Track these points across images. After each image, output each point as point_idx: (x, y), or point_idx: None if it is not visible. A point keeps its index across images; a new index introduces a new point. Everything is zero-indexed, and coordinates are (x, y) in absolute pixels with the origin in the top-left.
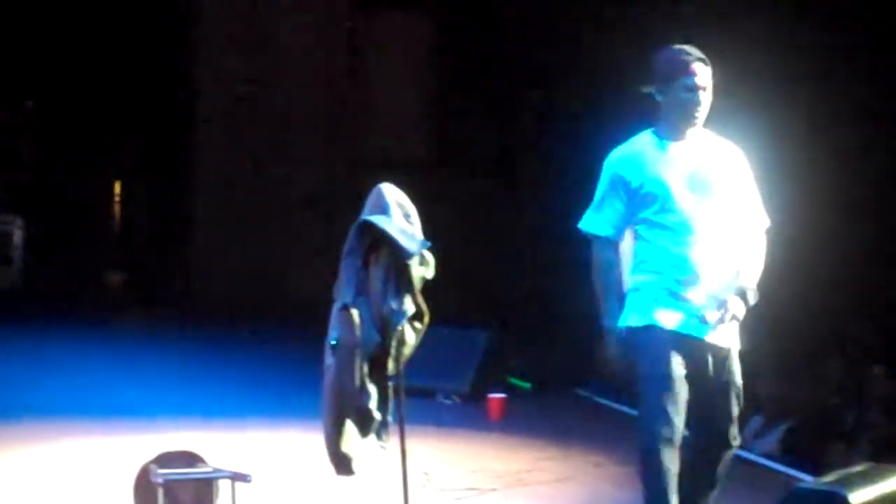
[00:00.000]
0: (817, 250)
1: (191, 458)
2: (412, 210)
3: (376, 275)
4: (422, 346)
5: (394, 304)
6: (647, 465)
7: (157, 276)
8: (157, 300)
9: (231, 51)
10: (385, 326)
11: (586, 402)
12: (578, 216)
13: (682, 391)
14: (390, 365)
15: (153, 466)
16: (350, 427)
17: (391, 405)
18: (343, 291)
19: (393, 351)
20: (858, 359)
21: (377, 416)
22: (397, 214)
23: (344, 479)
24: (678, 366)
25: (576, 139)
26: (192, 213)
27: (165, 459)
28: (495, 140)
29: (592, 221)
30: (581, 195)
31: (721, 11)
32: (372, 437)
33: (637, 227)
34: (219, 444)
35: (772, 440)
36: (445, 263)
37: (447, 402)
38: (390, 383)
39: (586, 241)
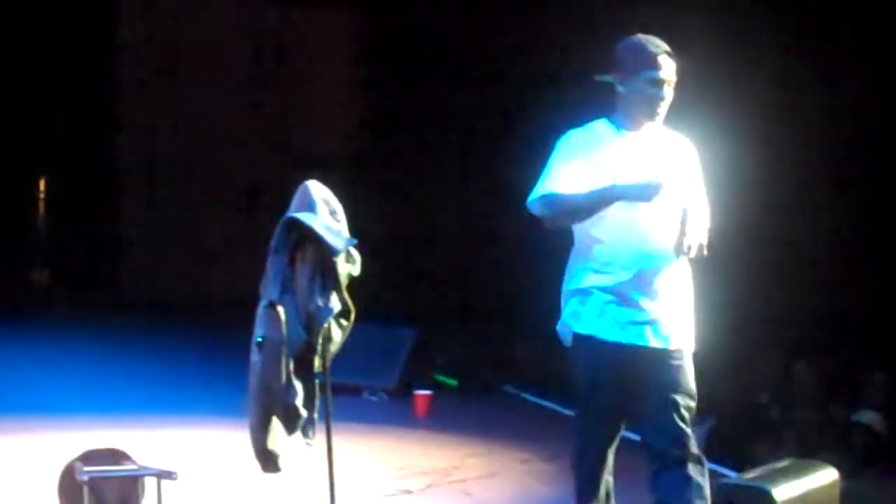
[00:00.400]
0: (753, 249)
1: (116, 456)
2: (338, 207)
3: (303, 272)
4: (348, 343)
5: (320, 302)
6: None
7: (83, 273)
8: (83, 297)
9: (157, 49)
10: (311, 323)
11: (513, 398)
12: (504, 215)
13: (616, 400)
14: (317, 362)
15: (78, 464)
16: (276, 424)
17: (318, 402)
18: (269, 289)
19: (319, 348)
20: (788, 355)
21: (303, 413)
22: (324, 211)
23: (270, 476)
24: (614, 375)
25: (504, 138)
26: (119, 210)
27: (90, 457)
28: (423, 137)
29: (542, 189)
30: (508, 194)
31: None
32: (298, 434)
33: (584, 222)
34: (144, 441)
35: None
36: (372, 260)
37: (374, 399)
38: (317, 380)
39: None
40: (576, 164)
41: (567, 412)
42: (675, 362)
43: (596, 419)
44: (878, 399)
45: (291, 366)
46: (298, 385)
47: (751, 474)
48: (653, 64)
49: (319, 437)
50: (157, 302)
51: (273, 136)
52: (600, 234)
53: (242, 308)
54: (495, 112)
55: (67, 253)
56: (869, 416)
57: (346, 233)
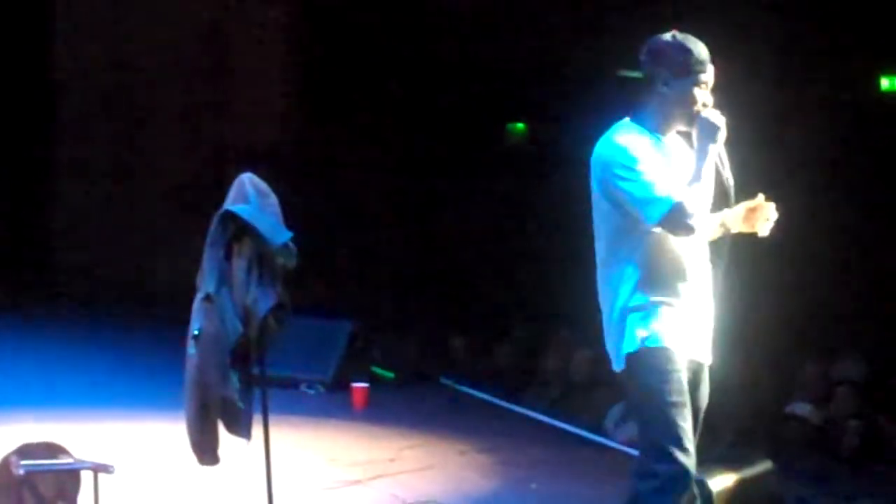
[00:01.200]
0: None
1: (53, 450)
2: (275, 200)
3: (239, 265)
4: (285, 336)
5: (257, 295)
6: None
7: (17, 265)
8: (16, 290)
9: (91, 40)
10: (248, 316)
11: (450, 390)
12: (441, 206)
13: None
14: (253, 355)
15: (14, 458)
16: (213, 417)
17: (254, 395)
18: (206, 282)
19: (256, 341)
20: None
21: (240, 406)
22: (260, 204)
23: (207, 469)
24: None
25: (437, 130)
26: (54, 204)
27: (26, 451)
28: (358, 129)
29: (658, 204)
30: (442, 184)
31: None
32: (235, 427)
33: (636, 234)
34: (81, 435)
35: (633, 428)
36: (308, 253)
37: (310, 392)
38: (253, 373)
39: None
40: (662, 169)
41: (503, 404)
42: (706, 377)
43: (685, 417)
44: (812, 390)
45: (228, 359)
46: (235, 378)
47: None
48: (705, 67)
49: (256, 430)
50: (93, 294)
51: (208, 129)
52: (654, 248)
53: (179, 301)
54: (430, 101)
55: (0, 246)
56: (802, 408)
57: (282, 226)
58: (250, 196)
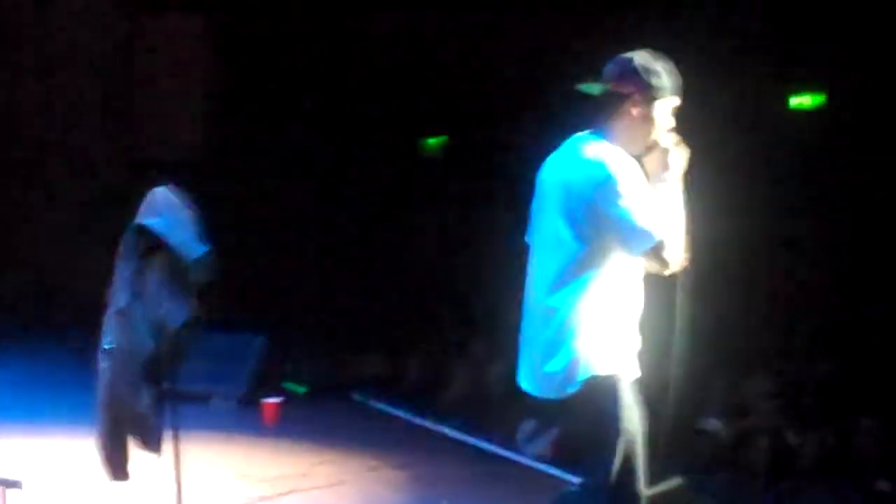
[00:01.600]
0: None
1: None
2: (189, 214)
3: (151, 279)
4: (197, 350)
5: (169, 309)
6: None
7: None
8: None
9: (4, 46)
10: (160, 331)
11: (361, 406)
12: (351, 221)
13: None
14: (165, 369)
15: None
16: (124, 432)
17: (165, 410)
18: (117, 295)
19: (168, 355)
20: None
21: (151, 420)
22: (173, 218)
23: (117, 484)
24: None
25: (349, 141)
26: None
27: None
28: (272, 142)
29: (644, 237)
30: (356, 200)
31: None
32: (146, 442)
33: (597, 258)
34: None
35: (543, 443)
36: (221, 268)
37: (222, 406)
38: (165, 388)
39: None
40: (645, 198)
41: (415, 420)
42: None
43: (636, 444)
44: (720, 405)
45: (140, 373)
46: (146, 392)
47: None
48: (673, 94)
49: (167, 445)
50: (3, 307)
51: (121, 142)
52: (616, 267)
53: (90, 315)
54: (344, 115)
55: None
56: (712, 423)
57: (196, 240)
58: (163, 210)
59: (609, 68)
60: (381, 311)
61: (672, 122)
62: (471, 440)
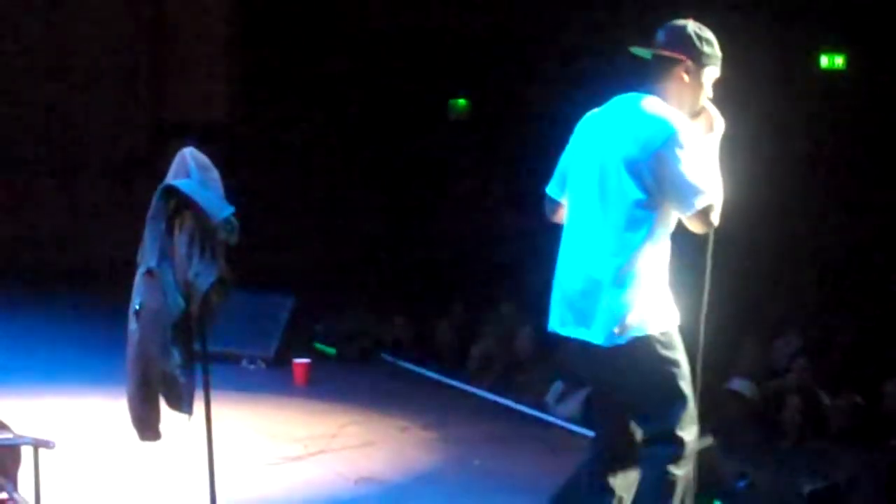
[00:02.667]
0: None
1: None
2: (216, 174)
3: (181, 240)
4: (227, 311)
5: (198, 270)
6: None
7: None
8: None
9: (27, 12)
10: (189, 292)
11: (391, 366)
12: (381, 181)
13: None
14: (195, 330)
15: None
16: (154, 393)
17: (196, 371)
18: (147, 256)
19: (197, 316)
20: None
21: (182, 381)
22: (201, 179)
23: (149, 444)
24: None
25: (375, 103)
26: None
27: None
28: (299, 105)
29: (699, 196)
30: (386, 162)
31: None
32: (176, 402)
33: (652, 212)
34: (21, 410)
35: (574, 404)
36: (250, 229)
37: (252, 367)
38: (195, 349)
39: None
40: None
41: (444, 380)
42: None
43: (692, 410)
44: (749, 366)
45: (170, 334)
46: (176, 353)
47: None
48: (719, 62)
49: (198, 406)
50: (31, 270)
51: (149, 104)
52: (670, 226)
53: (120, 276)
54: (368, 78)
55: None
56: (740, 384)
57: (224, 200)
58: (192, 170)
59: (662, 34)
60: (411, 273)
61: (711, 91)
62: (501, 400)
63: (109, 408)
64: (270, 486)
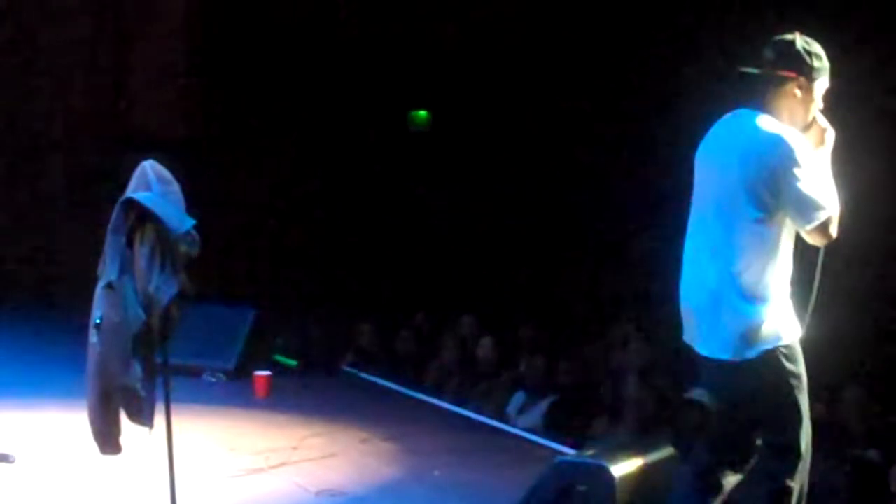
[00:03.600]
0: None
1: None
2: (177, 187)
3: (142, 252)
4: (187, 324)
5: (159, 282)
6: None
7: None
8: None
9: None
10: (150, 304)
11: (352, 378)
12: (343, 193)
13: None
14: (156, 343)
15: None
16: (115, 406)
17: (156, 384)
18: (108, 269)
19: (158, 329)
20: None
21: (142, 394)
22: (162, 192)
23: (109, 458)
24: None
25: (338, 119)
26: None
27: None
28: (258, 116)
29: (819, 211)
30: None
31: None
32: (137, 415)
33: (772, 227)
34: None
35: (536, 415)
36: (210, 241)
37: (213, 380)
38: (156, 362)
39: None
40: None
41: (406, 392)
42: None
43: (809, 424)
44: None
45: (130, 347)
46: (137, 366)
47: (589, 451)
48: (828, 73)
49: (158, 419)
50: None
51: (107, 120)
52: (791, 240)
53: (80, 289)
54: (333, 92)
55: None
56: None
57: (184, 213)
58: (152, 183)
59: (770, 51)
60: (372, 284)
61: (822, 103)
62: (462, 411)
63: (70, 421)
64: (231, 499)
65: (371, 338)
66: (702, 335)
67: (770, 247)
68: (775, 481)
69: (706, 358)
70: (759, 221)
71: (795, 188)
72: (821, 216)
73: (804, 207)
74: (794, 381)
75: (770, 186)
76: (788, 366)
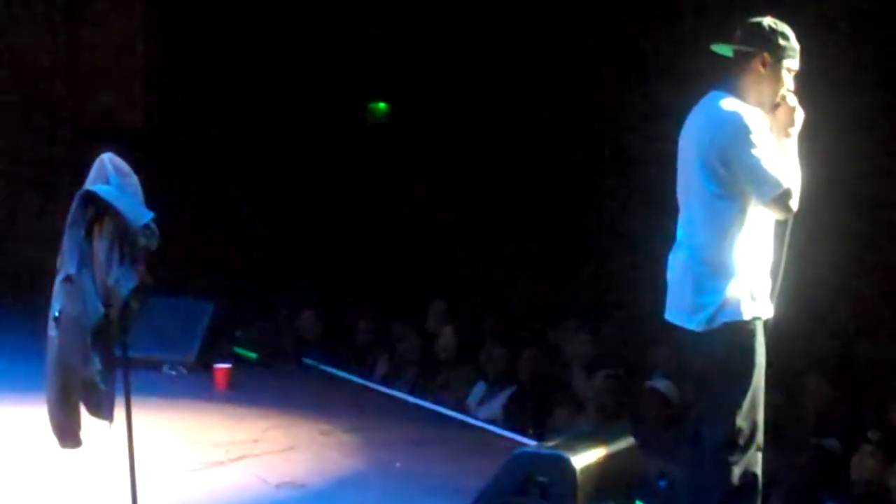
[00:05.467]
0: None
1: None
2: (135, 180)
3: (101, 245)
4: (147, 317)
5: (118, 275)
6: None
7: None
8: None
9: None
10: (109, 297)
11: (312, 370)
12: (303, 185)
13: None
14: (115, 336)
15: None
16: (74, 399)
17: (116, 377)
18: (66, 262)
19: (117, 322)
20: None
21: (102, 387)
22: (121, 184)
23: (69, 451)
24: None
25: (297, 113)
26: None
27: None
28: (219, 109)
29: (773, 184)
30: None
31: None
32: (97, 409)
33: (744, 201)
34: None
35: (495, 406)
36: (169, 234)
37: (173, 373)
38: (115, 355)
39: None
40: (773, 149)
41: (366, 383)
42: None
43: (759, 403)
44: (669, 365)
45: (89, 340)
46: (97, 360)
47: (550, 442)
48: (797, 55)
49: (118, 412)
50: None
51: (66, 111)
52: (757, 215)
53: (39, 283)
54: (292, 84)
55: None
56: (661, 383)
57: (143, 206)
58: (111, 176)
59: (739, 30)
60: (328, 276)
61: (792, 83)
62: (422, 403)
63: (29, 415)
64: (192, 492)
65: (330, 330)
66: (673, 305)
67: (730, 222)
68: (719, 464)
69: (676, 327)
70: (716, 196)
71: (748, 163)
72: (776, 190)
73: (758, 181)
74: (746, 358)
75: (723, 161)
76: (744, 341)
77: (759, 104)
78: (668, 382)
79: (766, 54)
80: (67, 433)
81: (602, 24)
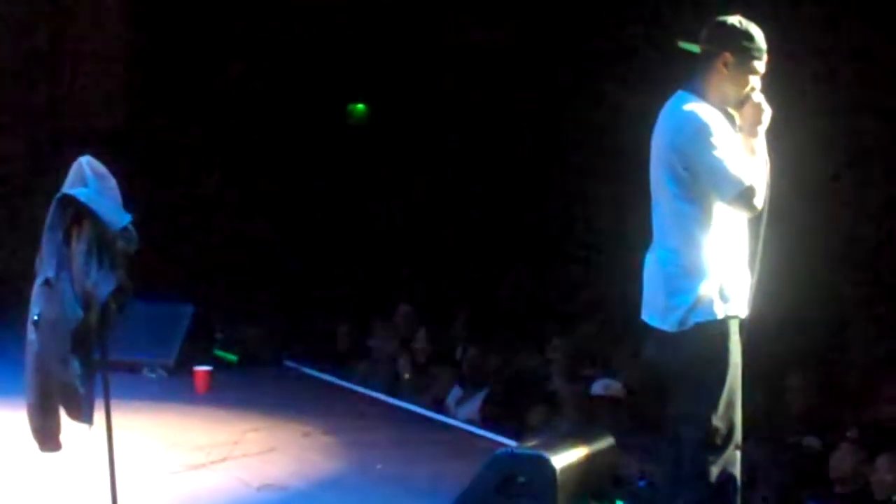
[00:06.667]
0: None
1: None
2: (114, 183)
3: (79, 249)
4: (127, 320)
5: (97, 279)
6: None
7: None
8: None
9: None
10: (88, 301)
11: (293, 372)
12: (283, 189)
13: None
14: (94, 340)
15: None
16: (54, 403)
17: (96, 380)
18: (45, 266)
19: (96, 325)
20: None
21: (81, 391)
22: (99, 188)
23: (49, 455)
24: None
25: (276, 115)
26: None
27: None
28: (197, 112)
29: (734, 183)
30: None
31: None
32: (76, 412)
33: (708, 200)
34: None
35: (473, 407)
36: (149, 237)
37: (153, 376)
38: (94, 358)
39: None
40: (733, 147)
41: (346, 385)
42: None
43: (736, 402)
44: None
45: (68, 344)
46: (76, 363)
47: (530, 442)
48: (763, 55)
49: (98, 415)
50: None
51: (44, 115)
52: (721, 215)
53: (17, 286)
54: (271, 86)
55: None
56: (605, 385)
57: (121, 209)
58: (89, 179)
59: (705, 29)
60: (307, 277)
61: (758, 83)
62: (402, 404)
63: (9, 419)
64: (173, 495)
65: (310, 332)
66: (648, 306)
67: (696, 223)
68: (697, 464)
69: (651, 328)
70: (679, 198)
71: (708, 163)
72: (737, 188)
73: (719, 180)
74: (720, 357)
75: (684, 163)
76: (717, 341)
77: (723, 104)
78: (608, 381)
79: (727, 54)
80: (47, 437)
81: (600, 25)
